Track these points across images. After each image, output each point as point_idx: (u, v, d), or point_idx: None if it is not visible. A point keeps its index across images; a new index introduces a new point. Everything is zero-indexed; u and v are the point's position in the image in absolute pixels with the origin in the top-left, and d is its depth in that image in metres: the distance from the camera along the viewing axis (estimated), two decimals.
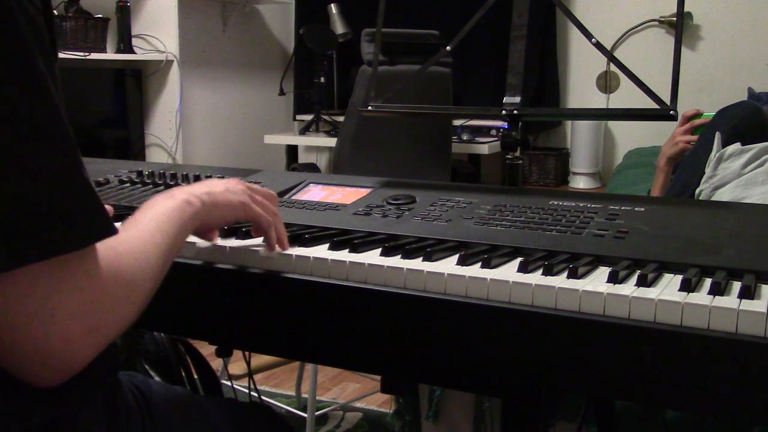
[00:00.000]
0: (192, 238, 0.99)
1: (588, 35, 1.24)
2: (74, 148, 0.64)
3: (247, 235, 1.00)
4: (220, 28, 3.89)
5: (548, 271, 0.82)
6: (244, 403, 1.10)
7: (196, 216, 0.86)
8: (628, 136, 3.72)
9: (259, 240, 0.98)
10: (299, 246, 0.95)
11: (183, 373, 1.42)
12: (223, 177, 1.27)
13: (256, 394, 1.54)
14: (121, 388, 0.84)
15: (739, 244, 0.89)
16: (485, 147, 3.30)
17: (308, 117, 3.69)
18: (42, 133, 0.62)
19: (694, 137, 1.88)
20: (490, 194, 1.11)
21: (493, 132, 3.45)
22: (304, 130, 3.63)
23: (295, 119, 4.11)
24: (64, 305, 0.62)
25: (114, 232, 0.67)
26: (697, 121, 1.89)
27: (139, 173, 1.31)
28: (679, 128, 1.93)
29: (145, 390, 0.91)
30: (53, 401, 0.69)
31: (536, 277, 0.80)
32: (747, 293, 0.74)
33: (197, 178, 1.27)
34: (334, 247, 0.93)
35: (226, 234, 1.01)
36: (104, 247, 0.66)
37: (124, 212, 1.03)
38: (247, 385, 1.65)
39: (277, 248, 0.94)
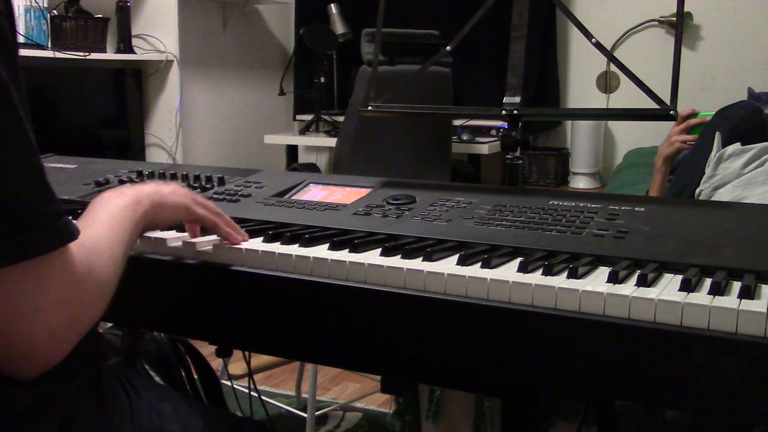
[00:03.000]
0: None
1: (588, 35, 1.24)
2: (37, 155, 0.68)
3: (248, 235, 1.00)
4: (220, 28, 3.89)
5: (548, 271, 0.82)
6: (238, 417, 1.10)
7: (146, 215, 0.88)
8: (628, 136, 3.72)
9: (259, 240, 0.99)
10: (299, 246, 0.95)
11: (183, 374, 1.42)
12: (203, 176, 1.27)
13: (256, 394, 1.54)
14: (108, 375, 0.85)
15: (739, 244, 0.89)
16: (485, 147, 3.30)
17: (308, 117, 3.69)
18: (8, 141, 0.64)
19: (690, 137, 1.88)
20: (490, 194, 1.11)
21: (493, 132, 3.45)
22: (304, 130, 3.63)
23: (295, 119, 4.11)
24: (47, 300, 0.66)
25: (78, 233, 0.70)
26: (693, 121, 1.90)
27: (139, 173, 1.31)
28: (675, 128, 1.93)
29: (133, 380, 0.91)
30: (35, 385, 0.71)
31: (536, 277, 0.80)
32: (747, 293, 0.74)
33: (197, 178, 1.27)
34: (334, 247, 0.93)
35: None
36: (76, 246, 0.70)
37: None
38: (247, 385, 1.65)
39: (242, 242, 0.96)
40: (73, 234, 0.69)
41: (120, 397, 0.86)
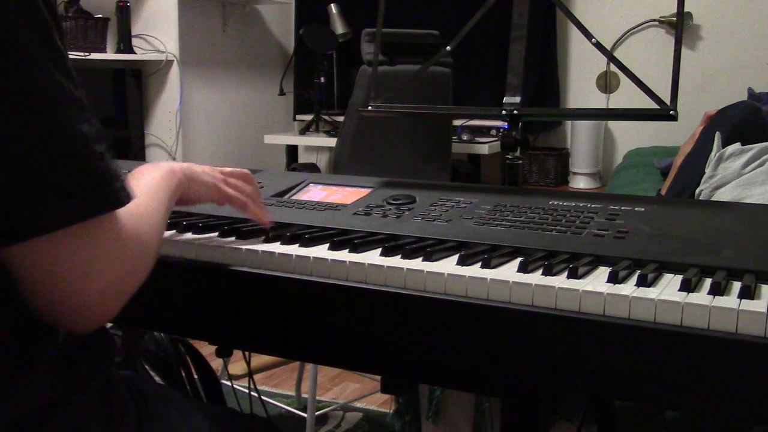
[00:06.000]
0: (193, 238, 0.99)
1: (588, 35, 1.24)
2: (95, 119, 0.70)
3: (247, 235, 1.00)
4: (220, 28, 3.89)
5: (548, 271, 0.82)
6: (243, 414, 1.10)
7: (180, 185, 0.91)
8: (628, 136, 3.72)
9: (260, 240, 0.99)
10: (299, 246, 0.95)
11: (183, 374, 1.42)
12: None
13: (256, 394, 1.54)
14: (117, 383, 0.85)
15: (739, 244, 0.89)
16: (485, 147, 3.30)
17: (308, 117, 3.69)
18: (73, 106, 0.67)
19: None
20: (490, 194, 1.11)
21: (493, 132, 3.45)
22: (304, 130, 3.63)
23: (295, 119, 4.11)
24: (100, 261, 0.69)
25: (131, 199, 0.73)
26: None
27: None
28: (700, 126, 1.94)
29: (142, 388, 0.91)
30: (44, 385, 0.71)
31: (536, 277, 0.80)
32: (747, 293, 0.74)
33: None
34: (334, 247, 0.93)
35: (226, 234, 1.01)
36: (123, 211, 0.72)
37: None
38: (247, 385, 1.65)
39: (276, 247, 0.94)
40: (129, 196, 0.72)
41: (128, 407, 0.86)
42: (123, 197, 0.71)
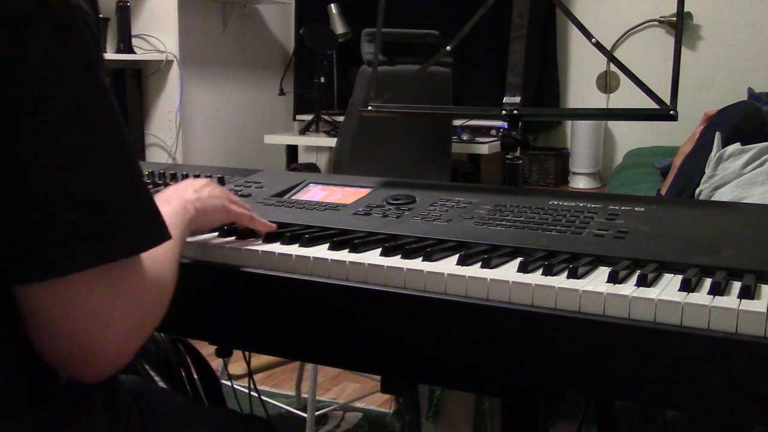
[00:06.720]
0: (193, 238, 0.99)
1: (588, 35, 1.24)
2: (134, 155, 0.68)
3: (247, 235, 1.00)
4: (220, 28, 3.89)
5: (548, 271, 0.82)
6: (244, 416, 1.10)
7: (192, 221, 0.91)
8: (628, 136, 3.72)
9: (259, 240, 0.99)
10: (299, 246, 0.95)
11: (183, 374, 1.41)
12: (203, 176, 1.27)
13: (256, 394, 1.54)
14: (121, 389, 0.84)
15: (739, 244, 0.89)
16: (485, 147, 3.30)
17: (308, 117, 3.69)
18: (109, 140, 0.65)
19: None
20: (490, 194, 1.11)
21: (493, 132, 3.45)
22: (304, 130, 3.63)
23: (295, 119, 4.11)
24: (120, 306, 0.66)
25: (170, 237, 0.70)
26: None
27: None
28: (700, 126, 1.94)
29: (145, 393, 0.91)
30: (50, 400, 0.70)
31: (536, 277, 0.80)
32: (747, 293, 0.74)
33: (197, 179, 1.27)
34: (334, 247, 0.93)
35: (226, 234, 1.01)
36: (145, 254, 0.69)
37: None
38: (247, 385, 1.65)
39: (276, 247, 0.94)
40: (158, 238, 0.68)
41: (133, 413, 0.85)
42: (156, 237, 0.68)
